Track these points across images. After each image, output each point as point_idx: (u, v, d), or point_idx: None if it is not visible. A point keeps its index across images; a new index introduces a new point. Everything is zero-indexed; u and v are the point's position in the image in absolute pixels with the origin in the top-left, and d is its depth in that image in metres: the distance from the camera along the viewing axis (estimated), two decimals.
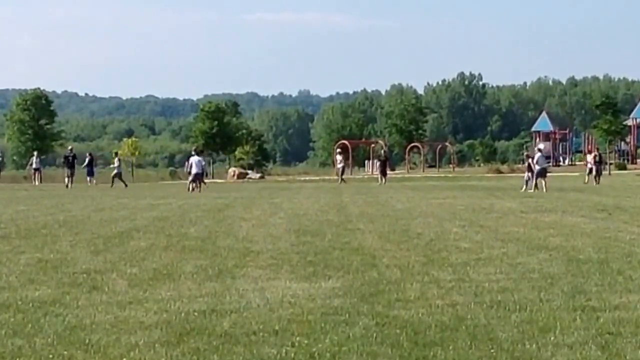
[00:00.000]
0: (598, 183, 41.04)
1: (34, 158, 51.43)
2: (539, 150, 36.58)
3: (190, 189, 35.61)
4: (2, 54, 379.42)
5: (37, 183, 48.34)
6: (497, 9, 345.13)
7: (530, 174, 33.97)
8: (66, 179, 43.77)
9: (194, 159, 37.15)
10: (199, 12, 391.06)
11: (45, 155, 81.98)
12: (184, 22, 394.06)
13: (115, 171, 44.77)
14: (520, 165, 79.52)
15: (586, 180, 42.90)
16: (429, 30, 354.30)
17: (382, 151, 55.43)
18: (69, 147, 50.90)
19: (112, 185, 42.69)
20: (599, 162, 44.29)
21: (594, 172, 43.04)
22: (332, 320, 6.92)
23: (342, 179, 46.13)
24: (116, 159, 46.07)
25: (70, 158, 45.56)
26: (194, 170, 36.51)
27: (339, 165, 47.14)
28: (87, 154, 47.96)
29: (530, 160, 34.89)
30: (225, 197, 28.80)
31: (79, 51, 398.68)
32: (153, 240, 13.45)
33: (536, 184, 32.89)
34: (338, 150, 52.66)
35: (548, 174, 35.41)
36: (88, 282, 9.05)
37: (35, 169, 50.02)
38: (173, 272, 9.72)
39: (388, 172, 49.46)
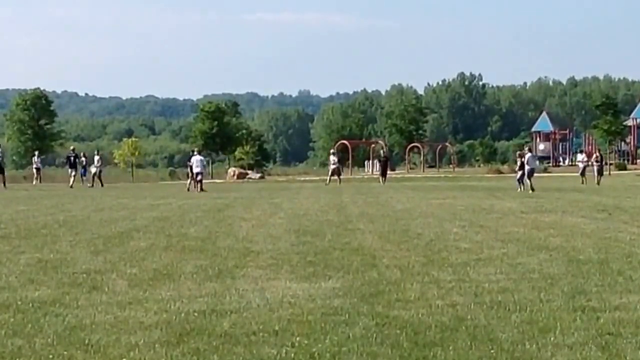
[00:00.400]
0: (599, 183, 40.95)
1: (35, 158, 51.66)
2: (529, 150, 36.55)
3: (198, 188, 35.74)
4: (2, 54, 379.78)
5: (34, 182, 48.42)
6: (497, 9, 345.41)
7: (522, 173, 34.05)
8: (71, 179, 43.94)
9: (196, 158, 37.49)
10: (199, 12, 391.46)
11: (45, 155, 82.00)
12: (184, 22, 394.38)
13: (96, 170, 44.74)
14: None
15: (582, 181, 42.86)
16: (429, 30, 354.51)
17: (382, 151, 55.38)
18: (71, 147, 50.95)
19: (102, 185, 42.84)
20: (600, 162, 44.23)
21: (595, 171, 42.94)
22: (332, 320, 6.92)
23: (338, 179, 46.06)
24: (97, 157, 46.00)
25: (72, 158, 45.70)
26: (195, 170, 36.78)
27: (333, 166, 47.08)
28: (82, 154, 48.11)
29: (521, 159, 34.95)
30: (225, 197, 28.80)
31: (79, 51, 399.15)
32: (153, 240, 13.44)
33: (531, 185, 32.99)
34: (332, 151, 53.05)
35: (546, 174, 35.42)
36: (88, 282, 9.04)
37: (36, 169, 50.24)
38: (173, 273, 9.72)
39: (388, 172, 49.41)
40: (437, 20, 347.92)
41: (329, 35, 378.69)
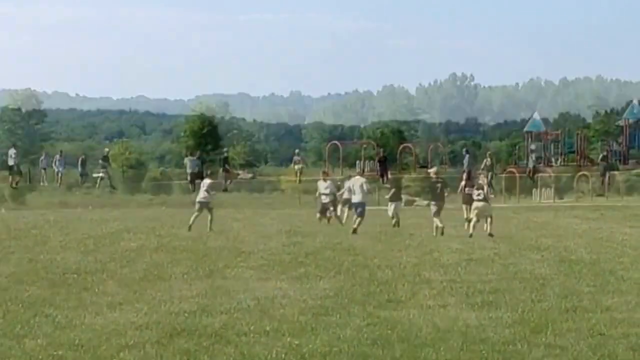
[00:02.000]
0: (604, 184, 40.42)
1: (42, 158, 51.79)
2: (467, 152, 36.93)
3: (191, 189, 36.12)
4: None
5: (45, 183, 48.42)
6: (490, 10, 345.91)
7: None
8: (97, 182, 43.58)
9: (188, 160, 38.72)
10: (193, 12, 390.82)
11: (35, 155, 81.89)
12: (178, 22, 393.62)
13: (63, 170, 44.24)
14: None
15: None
16: (421, 31, 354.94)
17: (380, 151, 54.82)
18: (106, 149, 50.53)
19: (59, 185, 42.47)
20: (607, 162, 43.92)
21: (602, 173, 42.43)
22: (323, 320, 6.89)
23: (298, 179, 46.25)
24: (58, 157, 45.46)
25: (101, 161, 45.59)
26: (189, 170, 37.93)
27: (297, 167, 47.26)
28: (81, 157, 47.95)
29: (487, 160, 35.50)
30: (217, 197, 28.69)
31: (69, 52, 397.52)
32: (143, 240, 13.41)
33: None
34: (296, 150, 54.06)
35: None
36: (78, 282, 9.00)
37: (43, 169, 50.37)
38: (163, 273, 9.68)
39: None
40: (429, 21, 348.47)
41: (320, 36, 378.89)
